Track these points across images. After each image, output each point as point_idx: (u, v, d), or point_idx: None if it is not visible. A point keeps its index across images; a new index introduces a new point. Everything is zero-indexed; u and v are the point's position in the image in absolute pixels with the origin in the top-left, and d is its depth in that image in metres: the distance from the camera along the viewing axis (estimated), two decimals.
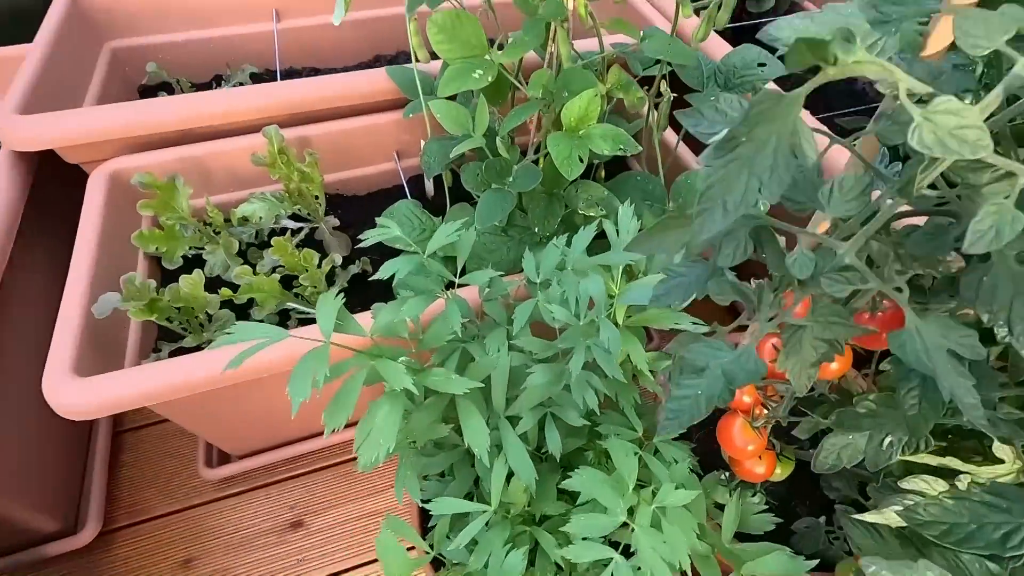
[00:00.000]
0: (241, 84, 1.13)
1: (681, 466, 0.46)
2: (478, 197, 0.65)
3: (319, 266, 0.72)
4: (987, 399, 0.30)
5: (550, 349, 0.45)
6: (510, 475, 0.45)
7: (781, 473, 0.49)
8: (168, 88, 1.13)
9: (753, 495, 0.48)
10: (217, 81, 1.17)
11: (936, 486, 0.36)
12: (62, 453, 0.85)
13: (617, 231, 0.49)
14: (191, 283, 0.65)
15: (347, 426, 0.92)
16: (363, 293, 0.83)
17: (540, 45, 0.63)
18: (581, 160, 0.59)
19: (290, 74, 1.20)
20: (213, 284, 0.75)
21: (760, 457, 0.45)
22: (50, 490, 0.80)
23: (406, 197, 0.94)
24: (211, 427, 0.81)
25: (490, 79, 0.63)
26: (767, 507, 0.47)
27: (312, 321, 0.77)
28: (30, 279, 0.81)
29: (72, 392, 0.58)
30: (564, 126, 0.61)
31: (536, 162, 0.67)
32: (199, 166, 0.86)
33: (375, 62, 1.25)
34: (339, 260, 0.76)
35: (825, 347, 0.34)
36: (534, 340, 0.46)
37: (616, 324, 0.43)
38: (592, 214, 0.63)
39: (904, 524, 0.31)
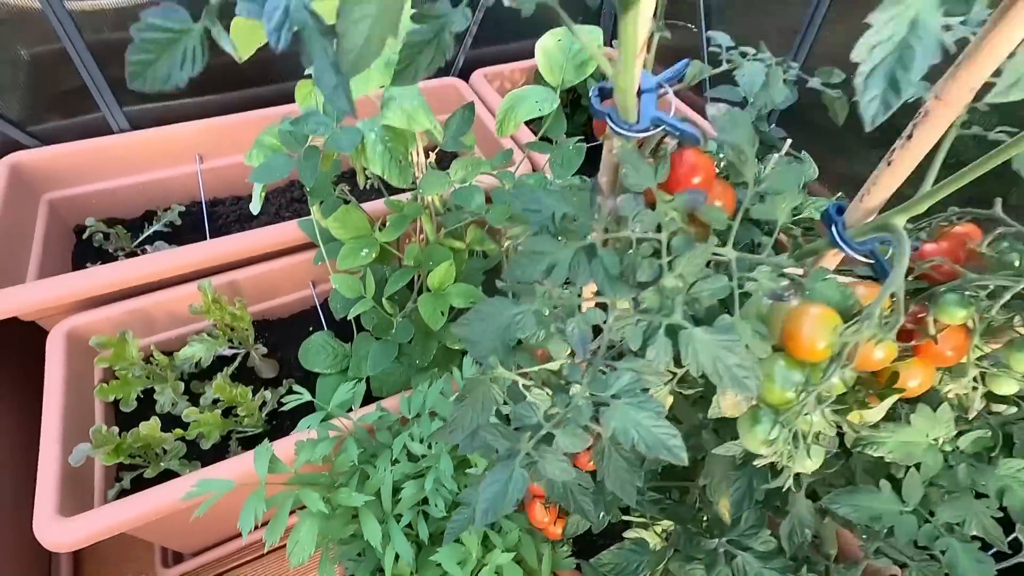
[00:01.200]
0: (171, 223, 1.31)
1: (512, 535, 0.69)
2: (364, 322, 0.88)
3: (253, 398, 0.91)
4: (640, 489, 0.55)
5: (415, 470, 0.68)
6: (393, 558, 0.67)
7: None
8: (102, 230, 1.29)
9: (563, 546, 0.72)
10: (148, 219, 1.34)
11: (647, 535, 0.61)
12: (33, 570, 0.98)
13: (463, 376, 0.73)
14: (149, 427, 0.84)
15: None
16: (292, 410, 1.02)
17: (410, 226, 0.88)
18: (443, 314, 0.83)
19: (215, 204, 1.39)
20: (165, 419, 0.93)
21: (556, 523, 0.69)
22: None
23: (320, 318, 1.15)
24: (167, 535, 0.97)
25: (374, 255, 0.87)
26: (570, 553, 0.71)
27: (250, 439, 0.96)
28: None
29: (60, 531, 0.74)
30: (430, 288, 0.85)
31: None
32: (144, 314, 1.04)
33: (289, 187, 1.46)
34: (269, 396, 0.96)
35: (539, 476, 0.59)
36: (406, 464, 0.68)
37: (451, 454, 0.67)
38: (457, 347, 0.87)
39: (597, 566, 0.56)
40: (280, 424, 0.99)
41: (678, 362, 0.32)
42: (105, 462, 0.81)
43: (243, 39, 0.79)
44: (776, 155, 0.77)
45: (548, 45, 0.79)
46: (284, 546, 1.11)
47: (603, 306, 0.34)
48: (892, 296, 0.32)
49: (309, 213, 1.23)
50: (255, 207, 0.91)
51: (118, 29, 1.22)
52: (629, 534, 0.61)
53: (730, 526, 0.46)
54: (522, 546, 0.70)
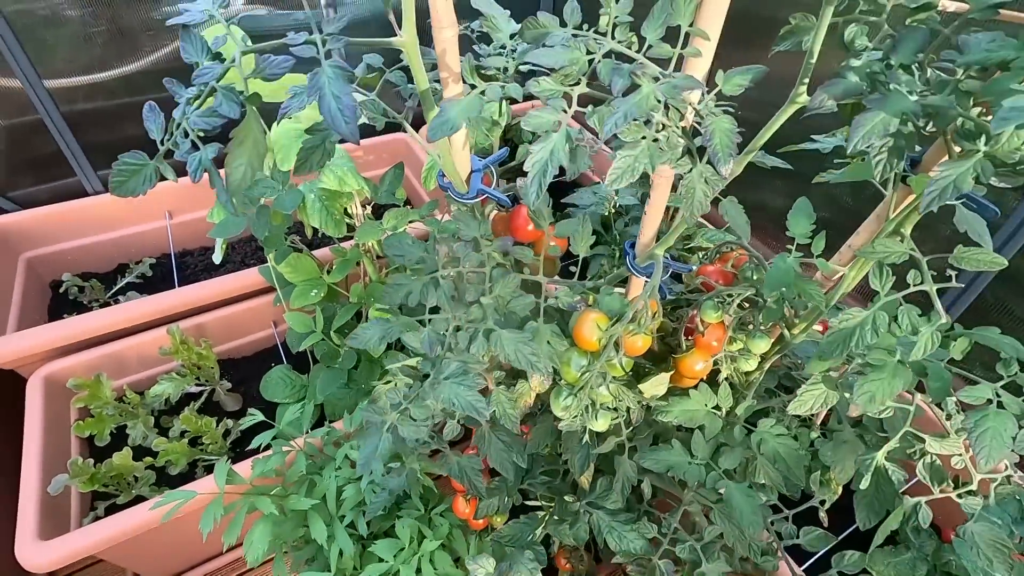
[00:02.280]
0: (143, 274, 1.42)
1: (442, 528, 0.81)
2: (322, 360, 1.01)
3: (216, 427, 1.02)
4: (532, 473, 0.68)
5: (356, 475, 0.80)
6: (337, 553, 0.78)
7: (498, 521, 0.85)
8: (77, 284, 1.39)
9: (488, 535, 0.83)
10: (121, 271, 1.45)
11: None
12: None
13: None
14: (122, 457, 0.94)
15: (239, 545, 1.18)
16: (256, 435, 1.13)
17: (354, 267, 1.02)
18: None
19: (184, 255, 1.51)
20: (137, 451, 1.02)
21: (475, 517, 0.81)
22: None
23: (281, 354, 1.26)
24: (138, 560, 1.06)
25: (323, 295, 1.00)
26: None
27: (214, 466, 1.06)
28: None
29: (40, 553, 0.83)
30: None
31: None
32: (117, 358, 1.15)
33: (251, 239, 1.59)
34: (231, 424, 1.06)
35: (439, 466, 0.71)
36: (347, 471, 0.80)
37: None
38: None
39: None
40: (243, 451, 1.10)
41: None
42: (81, 489, 0.90)
43: None
44: None
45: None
46: (247, 571, 1.19)
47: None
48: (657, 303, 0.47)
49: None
50: (217, 258, 1.05)
51: (90, 100, 1.35)
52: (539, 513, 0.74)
53: (588, 492, 0.59)
54: (452, 538, 0.82)
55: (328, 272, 1.02)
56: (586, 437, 0.52)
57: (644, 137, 0.34)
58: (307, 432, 0.91)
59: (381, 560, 0.80)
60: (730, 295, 0.50)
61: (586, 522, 0.57)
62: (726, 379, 0.53)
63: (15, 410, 1.05)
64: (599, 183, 0.88)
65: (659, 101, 0.32)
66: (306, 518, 0.81)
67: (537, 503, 0.75)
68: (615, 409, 0.49)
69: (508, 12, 0.42)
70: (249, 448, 1.09)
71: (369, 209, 1.00)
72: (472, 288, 0.44)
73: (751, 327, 0.51)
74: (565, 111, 0.34)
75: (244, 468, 0.89)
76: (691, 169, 0.36)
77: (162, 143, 0.34)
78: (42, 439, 0.98)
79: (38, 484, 0.91)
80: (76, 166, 1.40)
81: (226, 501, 0.74)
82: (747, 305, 0.51)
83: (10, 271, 1.30)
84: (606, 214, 1.00)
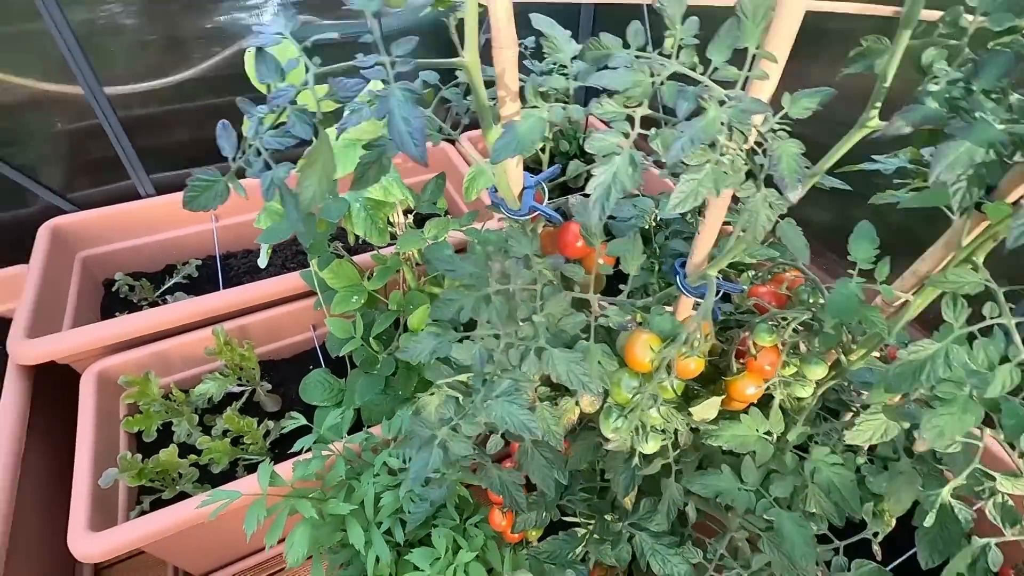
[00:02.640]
0: (189, 275, 1.47)
1: (477, 539, 0.81)
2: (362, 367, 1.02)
3: (258, 428, 1.04)
4: (571, 489, 0.67)
5: (394, 482, 0.80)
6: (375, 559, 0.79)
7: (533, 536, 0.84)
8: (128, 283, 1.45)
9: (523, 549, 0.83)
10: (168, 271, 1.50)
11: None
12: None
13: None
14: (168, 454, 0.97)
15: (280, 542, 1.20)
16: (295, 437, 1.15)
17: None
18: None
19: (227, 257, 1.56)
20: (181, 448, 1.05)
21: (513, 528, 0.81)
22: None
23: (319, 357, 1.29)
24: (180, 554, 1.09)
25: (363, 301, 1.01)
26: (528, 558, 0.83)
27: (255, 465, 1.08)
28: (34, 453, 1.09)
29: (92, 544, 0.87)
30: (411, 328, 0.99)
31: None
32: (164, 356, 1.19)
33: (292, 241, 1.62)
34: (272, 426, 1.09)
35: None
36: (386, 478, 0.81)
37: None
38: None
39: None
40: (282, 452, 1.12)
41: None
42: (130, 483, 0.94)
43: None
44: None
45: None
46: (277, 571, 1.21)
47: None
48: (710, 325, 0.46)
49: (308, 264, 1.39)
50: (262, 262, 1.07)
51: (144, 106, 1.41)
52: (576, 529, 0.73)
53: (632, 513, 0.58)
54: (487, 550, 0.82)
55: (368, 279, 1.04)
56: (634, 459, 0.51)
57: (708, 161, 0.33)
58: (345, 437, 0.92)
59: (416, 568, 0.81)
60: (785, 318, 0.49)
61: (628, 543, 0.56)
62: (779, 404, 0.52)
63: (66, 403, 1.10)
64: (638, 195, 0.87)
65: (725, 125, 0.31)
66: (344, 523, 0.82)
67: (573, 519, 0.75)
68: (663, 431, 0.48)
69: (569, 33, 0.42)
70: (290, 451, 1.11)
71: (410, 218, 1.01)
72: (523, 305, 0.44)
73: (806, 352, 0.49)
74: (627, 134, 0.33)
75: (284, 469, 0.91)
76: (755, 193, 0.35)
77: (234, 160, 0.35)
78: (94, 433, 1.02)
79: (90, 477, 0.95)
80: (130, 169, 1.45)
81: (268, 503, 0.76)
82: (801, 329, 0.50)
83: (67, 269, 1.36)
84: (646, 227, 0.99)
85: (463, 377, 0.50)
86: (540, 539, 0.85)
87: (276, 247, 1.60)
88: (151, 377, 1.10)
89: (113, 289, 1.43)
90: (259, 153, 0.33)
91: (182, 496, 1.01)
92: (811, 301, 0.49)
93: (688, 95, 0.33)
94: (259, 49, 0.33)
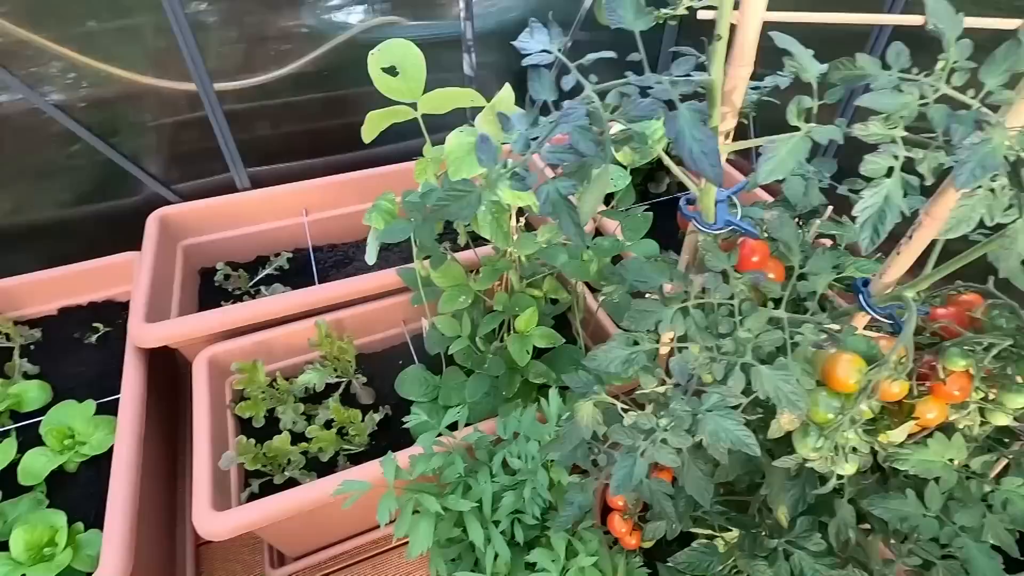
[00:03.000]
0: (280, 267, 1.52)
1: (592, 543, 0.81)
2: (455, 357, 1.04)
3: (363, 420, 1.07)
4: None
5: (512, 482, 0.81)
6: (497, 556, 0.80)
7: (647, 543, 0.84)
8: (227, 273, 1.50)
9: (635, 556, 0.83)
10: (260, 262, 1.56)
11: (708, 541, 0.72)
12: (167, 567, 1.14)
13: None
14: (282, 441, 1.00)
15: (370, 530, 1.24)
16: (387, 430, 1.18)
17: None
18: (528, 352, 0.98)
19: (314, 251, 1.60)
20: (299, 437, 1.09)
21: (631, 534, 0.81)
22: None
23: (411, 353, 1.31)
24: (282, 537, 1.13)
25: (470, 301, 1.03)
26: (642, 564, 0.82)
27: (355, 456, 1.11)
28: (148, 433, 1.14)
29: (215, 522, 0.91)
30: (517, 330, 1.01)
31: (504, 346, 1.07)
32: (266, 345, 1.23)
33: None
34: (377, 418, 1.11)
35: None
36: (505, 477, 0.82)
37: (546, 468, 0.80)
38: (538, 381, 1.02)
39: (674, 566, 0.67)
40: (379, 443, 1.15)
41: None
42: (249, 467, 0.98)
43: (370, 129, 0.99)
44: (818, 220, 0.90)
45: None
46: (375, 555, 1.24)
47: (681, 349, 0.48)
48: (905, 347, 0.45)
49: (394, 260, 1.41)
50: (371, 258, 1.10)
51: (245, 101, 1.46)
52: (699, 541, 0.73)
53: (787, 530, 0.57)
54: (600, 555, 0.82)
55: (473, 279, 1.05)
56: (803, 477, 0.51)
57: (980, 186, 0.33)
58: (439, 434, 0.94)
59: (530, 568, 0.82)
60: (979, 343, 0.48)
61: (785, 561, 0.56)
62: (961, 430, 0.50)
63: (164, 384, 1.14)
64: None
65: (1013, 150, 0.31)
66: (461, 519, 0.83)
67: (698, 530, 0.74)
68: (856, 452, 0.47)
69: (812, 52, 0.41)
70: (385, 444, 1.14)
71: (523, 222, 1.02)
72: (724, 320, 0.44)
73: (1006, 379, 0.48)
74: (897, 156, 0.33)
75: (374, 466, 0.94)
76: (1016, 219, 0.35)
77: (493, 171, 0.36)
78: (210, 417, 1.06)
79: (209, 459, 0.99)
80: (230, 162, 1.51)
81: (379, 494, 0.78)
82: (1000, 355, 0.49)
83: (172, 258, 1.42)
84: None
85: (662, 389, 0.51)
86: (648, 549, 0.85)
87: (357, 243, 1.64)
88: (259, 365, 1.15)
89: (209, 278, 1.49)
90: (526, 168, 0.34)
91: (291, 481, 1.04)
92: (1008, 327, 0.48)
93: (964, 120, 0.32)
94: (534, 66, 0.34)
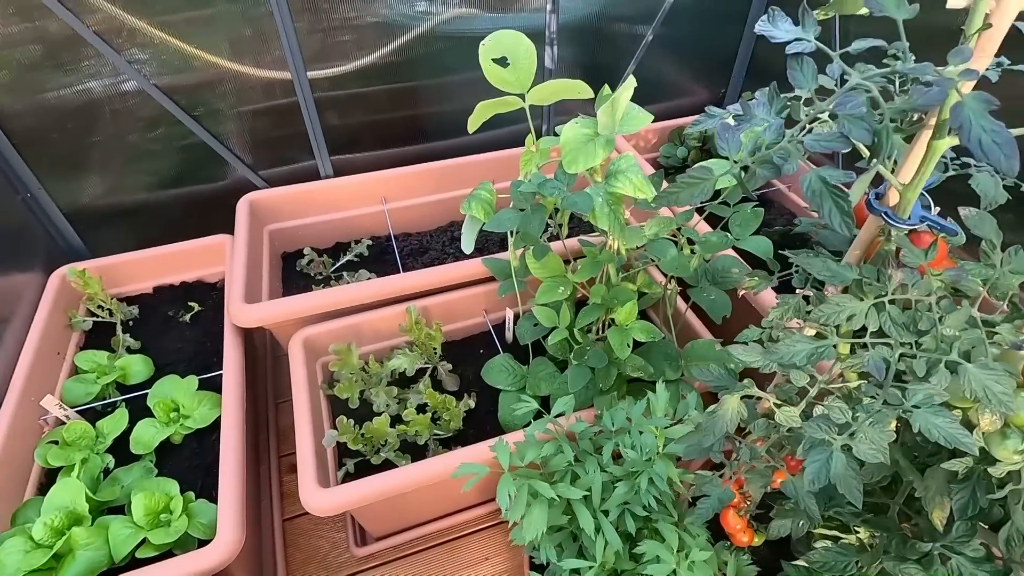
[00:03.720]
0: (360, 254, 1.55)
1: (700, 538, 0.81)
2: (548, 347, 1.05)
3: (457, 406, 1.09)
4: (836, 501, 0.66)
5: (623, 472, 0.82)
6: (607, 545, 0.80)
7: (758, 541, 0.83)
8: (300, 254, 1.54)
9: (744, 554, 0.83)
10: (340, 248, 1.59)
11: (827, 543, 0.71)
12: (255, 540, 1.18)
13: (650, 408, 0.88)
14: (380, 423, 1.03)
15: (449, 515, 1.26)
16: (473, 416, 1.19)
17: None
18: (628, 345, 0.98)
19: (388, 239, 1.63)
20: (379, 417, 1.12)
21: (744, 531, 0.80)
22: (254, 566, 1.14)
23: (493, 342, 1.32)
24: (371, 516, 1.15)
25: (569, 293, 1.03)
26: (752, 561, 0.82)
27: (446, 440, 1.13)
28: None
29: (322, 498, 0.94)
30: (617, 323, 1.01)
31: (600, 338, 1.07)
32: (355, 329, 1.26)
33: (450, 226, 1.68)
34: (472, 404, 1.13)
35: (763, 481, 0.70)
36: (617, 468, 0.83)
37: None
38: (635, 375, 1.02)
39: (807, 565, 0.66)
40: (465, 429, 1.16)
41: None
42: (351, 446, 1.00)
43: (477, 118, 1.00)
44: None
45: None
46: (452, 540, 1.26)
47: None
48: None
49: (463, 251, 1.40)
50: (468, 247, 1.11)
51: (333, 89, 1.49)
52: (821, 542, 0.72)
53: (942, 534, 0.56)
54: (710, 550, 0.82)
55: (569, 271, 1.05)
56: (960, 473, 0.50)
57: None
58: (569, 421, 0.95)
59: (635, 559, 0.82)
60: None
61: (942, 566, 0.55)
62: None
63: (252, 364, 1.18)
64: None
65: None
66: (568, 507, 0.84)
67: (823, 530, 0.74)
68: None
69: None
70: (471, 430, 1.15)
71: (628, 213, 1.02)
72: (925, 317, 0.44)
73: None
74: None
75: (479, 450, 0.96)
76: None
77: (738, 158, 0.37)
78: (308, 397, 1.10)
79: (311, 437, 1.02)
80: (316, 150, 1.54)
81: (465, 480, 0.79)
82: None
83: (259, 241, 1.46)
84: None
85: (854, 384, 0.50)
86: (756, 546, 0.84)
87: (434, 231, 1.66)
88: (353, 348, 1.17)
89: (295, 263, 1.52)
90: (784, 155, 0.34)
91: (386, 463, 1.07)
92: None
93: None
94: (795, 55, 0.34)
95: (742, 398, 0.61)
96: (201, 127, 1.42)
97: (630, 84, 0.83)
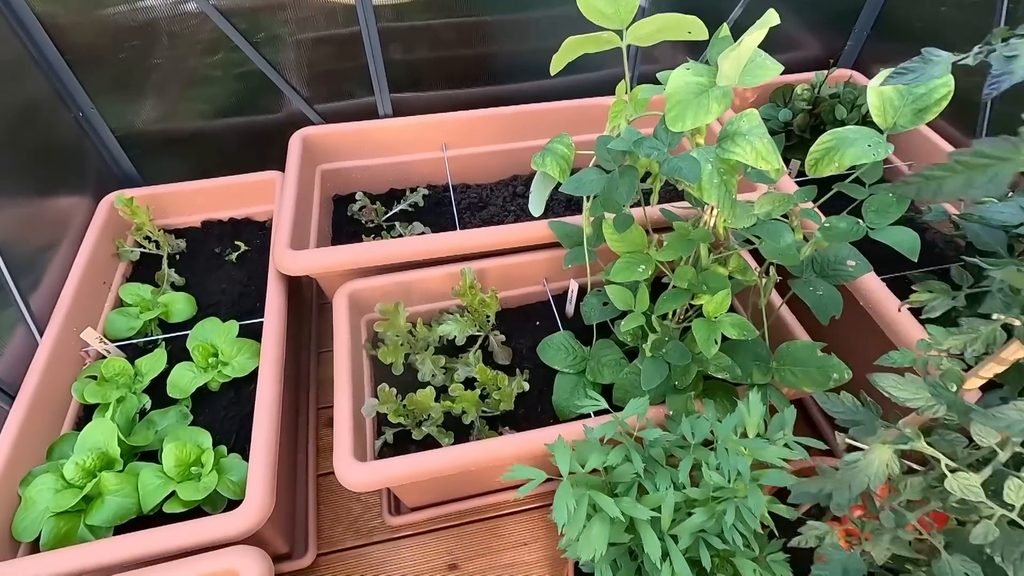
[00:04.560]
0: (415, 203, 1.43)
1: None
2: (618, 333, 0.91)
3: (510, 385, 0.98)
4: None
5: (703, 496, 0.69)
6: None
7: None
8: (352, 198, 1.44)
9: None
10: (394, 196, 1.48)
11: None
12: (289, 495, 1.14)
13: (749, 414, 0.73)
14: (424, 396, 0.93)
15: (488, 493, 1.18)
16: (524, 396, 1.08)
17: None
18: (716, 341, 0.83)
19: (446, 190, 1.50)
20: (420, 386, 1.03)
21: None
22: (285, 522, 1.10)
23: (552, 314, 1.20)
24: (405, 486, 1.09)
25: (649, 273, 0.89)
26: None
27: (493, 419, 1.02)
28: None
29: (357, 473, 0.86)
30: (705, 314, 0.86)
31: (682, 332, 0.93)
32: (405, 287, 1.16)
33: (513, 180, 1.54)
34: (527, 387, 1.02)
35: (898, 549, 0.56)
36: (695, 490, 0.70)
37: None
38: (720, 376, 0.88)
39: None
40: (516, 408, 1.06)
41: None
42: (391, 419, 0.92)
43: (562, 57, 0.84)
44: None
45: (884, 90, 0.75)
46: (491, 518, 1.19)
47: None
48: None
49: (527, 210, 1.25)
50: (537, 208, 0.97)
51: (398, 20, 1.34)
52: None
53: None
54: None
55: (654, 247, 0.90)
56: None
57: None
58: (594, 414, 0.83)
59: None
60: None
61: None
62: None
63: (297, 312, 1.10)
64: None
65: None
66: (631, 523, 0.73)
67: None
68: None
69: None
70: (521, 411, 1.05)
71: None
72: None
73: None
74: None
75: (539, 440, 0.85)
76: None
77: None
78: (350, 356, 1.01)
79: (350, 402, 0.94)
80: (375, 84, 1.41)
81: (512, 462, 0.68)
82: None
83: (311, 181, 1.37)
84: None
85: None
86: None
87: (494, 184, 1.52)
88: (400, 309, 1.08)
89: (346, 207, 1.43)
90: None
91: (428, 439, 0.98)
92: None
93: None
94: None
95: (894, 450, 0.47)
96: (259, 55, 1.31)
97: (768, 20, 0.65)
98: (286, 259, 1.09)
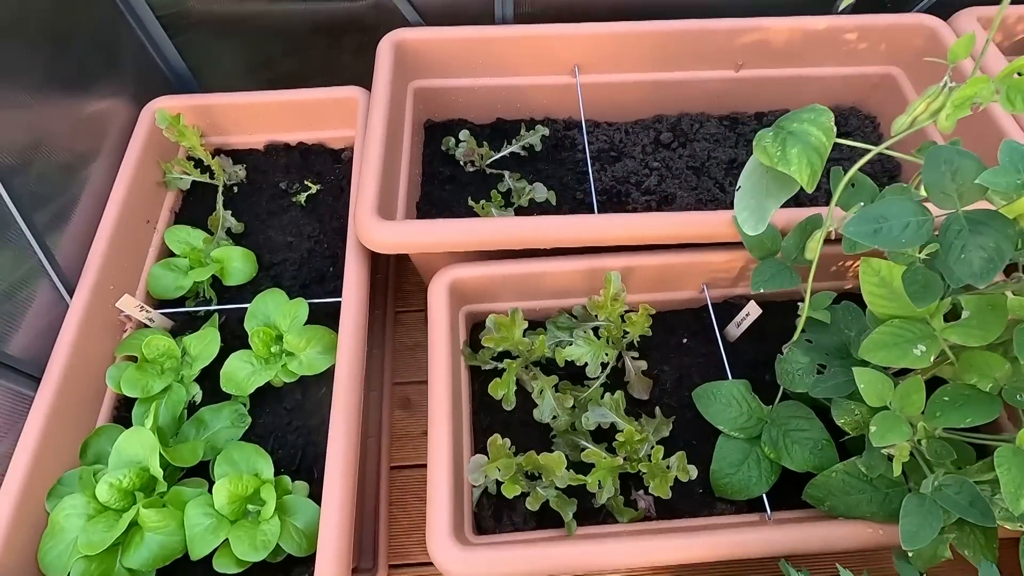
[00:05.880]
0: (531, 145, 1.09)
1: None
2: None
3: (664, 460, 0.72)
4: None
5: None
6: None
7: None
8: (449, 127, 1.12)
9: None
10: (502, 129, 1.14)
11: None
12: (357, 494, 0.96)
13: None
14: (552, 461, 0.69)
15: None
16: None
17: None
18: None
19: (570, 127, 1.15)
20: (540, 428, 0.78)
21: None
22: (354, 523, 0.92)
23: (710, 333, 0.89)
24: None
25: (931, 359, 0.57)
26: None
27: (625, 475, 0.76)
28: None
29: (455, 560, 0.65)
30: (1019, 442, 0.55)
31: None
32: (518, 280, 0.87)
33: (656, 122, 1.16)
34: (693, 475, 0.74)
35: None
36: None
37: None
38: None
39: None
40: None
41: None
42: (506, 493, 0.68)
43: None
44: None
45: None
46: None
47: None
48: None
49: (674, 169, 0.91)
50: (751, 227, 0.64)
51: None
52: None
53: None
54: None
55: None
56: None
57: None
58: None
59: None
60: None
61: None
62: None
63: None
64: None
65: None
66: None
67: None
68: None
69: None
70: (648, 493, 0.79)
71: None
72: None
73: None
74: None
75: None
76: None
77: None
78: (449, 362, 0.77)
79: (448, 451, 0.70)
80: None
81: None
82: None
83: (402, 104, 1.04)
84: None
85: None
86: None
87: (631, 130, 1.15)
88: (517, 319, 0.80)
89: (440, 139, 1.11)
90: None
91: (545, 508, 0.74)
92: None
93: None
94: None
95: None
96: None
97: None
98: (373, 231, 0.81)
